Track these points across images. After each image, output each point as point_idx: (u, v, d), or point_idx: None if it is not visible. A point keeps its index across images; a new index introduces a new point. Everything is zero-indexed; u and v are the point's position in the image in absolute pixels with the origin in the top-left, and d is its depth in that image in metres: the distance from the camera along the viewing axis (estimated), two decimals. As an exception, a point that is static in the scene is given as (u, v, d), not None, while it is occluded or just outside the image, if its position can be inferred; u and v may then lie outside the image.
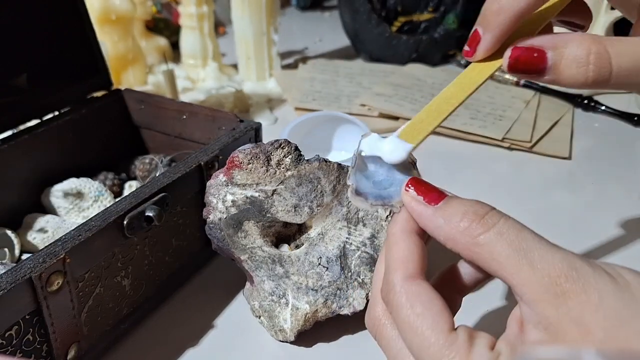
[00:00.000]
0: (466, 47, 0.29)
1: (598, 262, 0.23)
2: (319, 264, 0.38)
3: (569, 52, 0.26)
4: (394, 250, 0.27)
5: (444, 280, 0.29)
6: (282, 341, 0.39)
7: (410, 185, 0.27)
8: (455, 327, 0.24)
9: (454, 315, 0.25)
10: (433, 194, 0.27)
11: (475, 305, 0.41)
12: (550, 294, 0.22)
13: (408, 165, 0.29)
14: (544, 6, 0.29)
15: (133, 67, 0.78)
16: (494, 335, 0.24)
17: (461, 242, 0.25)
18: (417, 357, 0.24)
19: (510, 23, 0.27)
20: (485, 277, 0.28)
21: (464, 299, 0.30)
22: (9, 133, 0.47)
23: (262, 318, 0.39)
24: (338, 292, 0.37)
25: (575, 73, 0.26)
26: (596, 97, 0.74)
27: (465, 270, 0.29)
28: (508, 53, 0.28)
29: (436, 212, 0.26)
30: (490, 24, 0.28)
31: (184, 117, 0.51)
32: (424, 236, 0.28)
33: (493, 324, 0.40)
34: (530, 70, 0.27)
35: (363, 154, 0.29)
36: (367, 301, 0.37)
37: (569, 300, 0.21)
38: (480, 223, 0.24)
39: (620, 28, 0.72)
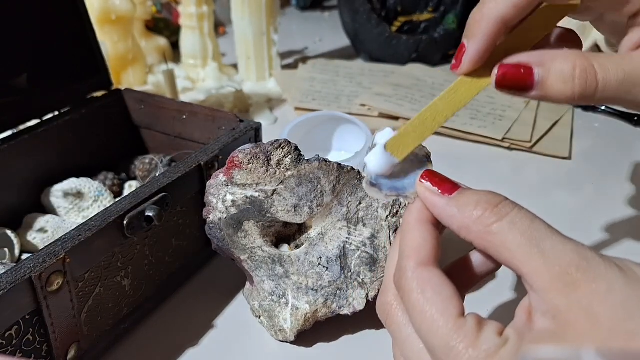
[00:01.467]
0: (453, 61, 0.29)
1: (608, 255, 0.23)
2: (319, 264, 0.38)
3: (555, 68, 0.26)
4: (407, 237, 0.27)
5: (451, 273, 0.30)
6: (282, 341, 0.39)
7: (425, 177, 0.28)
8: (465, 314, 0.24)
9: None
10: (447, 185, 0.27)
11: (482, 301, 0.41)
12: (561, 283, 0.22)
13: (422, 158, 0.30)
14: (529, 19, 0.29)
15: (133, 67, 0.78)
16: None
17: (474, 230, 0.25)
18: (425, 341, 0.25)
19: (492, 31, 0.27)
20: (494, 268, 0.29)
21: (470, 295, 0.30)
22: (9, 133, 0.47)
23: (262, 318, 0.39)
24: (338, 292, 0.37)
25: (563, 88, 0.27)
26: (596, 97, 0.74)
27: (476, 262, 0.29)
28: (495, 70, 0.28)
29: (450, 202, 0.26)
30: (473, 34, 0.28)
31: (184, 117, 0.51)
32: (439, 226, 0.28)
33: (499, 318, 0.40)
34: (517, 86, 0.27)
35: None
36: (367, 301, 0.37)
37: (579, 289, 0.22)
38: (494, 212, 0.24)
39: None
